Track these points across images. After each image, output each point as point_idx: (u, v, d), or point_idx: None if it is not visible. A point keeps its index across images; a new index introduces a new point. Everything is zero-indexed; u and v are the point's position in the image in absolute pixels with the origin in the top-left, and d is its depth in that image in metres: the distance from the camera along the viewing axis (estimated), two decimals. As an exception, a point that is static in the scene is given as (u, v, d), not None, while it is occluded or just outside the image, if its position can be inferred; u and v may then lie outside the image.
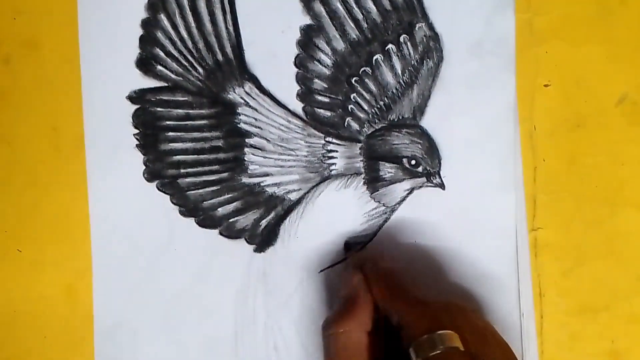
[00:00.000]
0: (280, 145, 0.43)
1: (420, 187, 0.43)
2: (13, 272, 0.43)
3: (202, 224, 0.43)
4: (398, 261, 0.42)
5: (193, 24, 0.42)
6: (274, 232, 0.43)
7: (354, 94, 0.43)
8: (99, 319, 0.43)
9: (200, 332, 0.43)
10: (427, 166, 0.42)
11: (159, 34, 0.42)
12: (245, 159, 0.43)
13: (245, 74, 0.43)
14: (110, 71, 0.42)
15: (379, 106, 0.43)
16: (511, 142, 0.43)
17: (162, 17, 0.42)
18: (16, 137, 0.43)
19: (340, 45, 0.43)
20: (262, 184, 0.43)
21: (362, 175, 0.43)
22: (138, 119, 0.43)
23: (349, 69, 0.43)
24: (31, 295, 0.43)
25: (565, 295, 0.43)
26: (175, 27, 0.42)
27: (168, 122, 0.43)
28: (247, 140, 0.43)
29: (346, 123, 0.43)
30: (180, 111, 0.43)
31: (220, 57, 0.43)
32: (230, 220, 0.43)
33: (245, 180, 0.43)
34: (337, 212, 0.43)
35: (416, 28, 0.42)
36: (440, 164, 0.43)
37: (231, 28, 0.42)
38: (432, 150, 0.43)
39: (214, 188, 0.43)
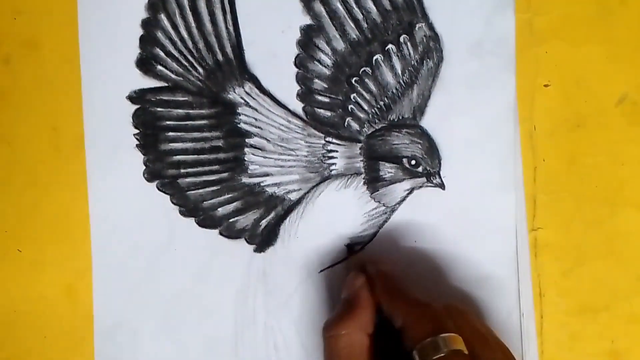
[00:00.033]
0: (281, 145, 0.43)
1: (420, 187, 0.43)
2: (13, 272, 0.43)
3: (202, 224, 0.43)
4: (398, 261, 0.42)
5: (193, 24, 0.42)
6: (274, 232, 0.43)
7: (354, 94, 0.43)
8: (99, 319, 0.43)
9: (200, 332, 0.43)
10: (427, 166, 0.42)
11: (159, 34, 0.42)
12: (246, 159, 0.43)
13: (246, 74, 0.43)
14: (111, 71, 0.42)
15: (379, 106, 0.43)
16: (511, 142, 0.43)
17: (162, 17, 0.42)
18: (16, 137, 0.43)
19: (340, 45, 0.43)
20: (262, 184, 0.43)
21: (362, 175, 0.43)
22: (138, 119, 0.43)
23: (349, 69, 0.43)
24: (31, 295, 0.43)
25: (565, 295, 0.43)
26: (175, 27, 0.42)
27: (168, 122, 0.43)
28: (247, 140, 0.43)
29: (346, 123, 0.43)
30: (180, 111, 0.43)
31: (220, 57, 0.43)
32: (231, 220, 0.43)
33: (246, 180, 0.43)
34: (337, 212, 0.43)
35: (416, 28, 0.42)
36: (440, 164, 0.43)
37: (231, 28, 0.43)
38: (432, 150, 0.43)
39: (214, 188, 0.43)
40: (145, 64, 0.43)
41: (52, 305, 0.43)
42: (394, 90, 0.43)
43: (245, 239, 0.43)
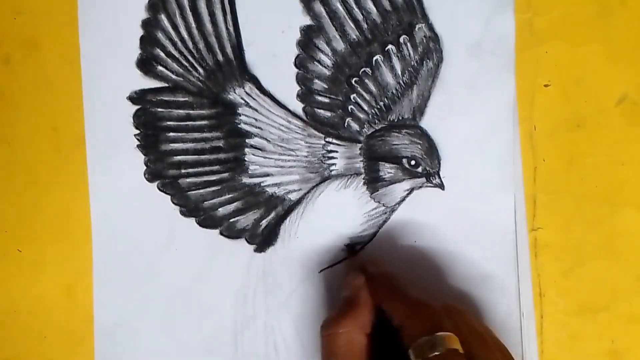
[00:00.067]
0: (281, 145, 0.43)
1: (420, 187, 0.43)
2: (13, 272, 0.43)
3: (203, 224, 0.43)
4: (397, 261, 0.42)
5: (193, 25, 0.43)
6: (274, 232, 0.43)
7: (354, 95, 0.43)
8: (99, 319, 0.43)
9: (200, 332, 0.43)
10: (426, 166, 0.43)
11: (160, 35, 0.43)
12: (246, 159, 0.43)
13: (246, 75, 0.43)
14: (111, 71, 0.42)
15: (378, 107, 0.43)
16: (511, 142, 0.43)
17: (163, 17, 0.42)
18: (16, 137, 0.43)
19: (340, 45, 0.43)
20: (262, 184, 0.43)
21: (362, 176, 0.43)
22: (139, 120, 0.43)
23: (348, 69, 0.43)
24: (31, 295, 0.43)
25: (565, 295, 0.43)
26: (175, 27, 0.42)
27: (169, 123, 0.43)
28: (247, 140, 0.43)
29: (346, 123, 0.43)
30: (180, 112, 0.43)
31: (220, 57, 0.43)
32: (231, 220, 0.43)
33: (246, 180, 0.43)
34: (337, 212, 0.43)
35: (416, 29, 0.43)
36: (439, 164, 0.43)
37: (231, 28, 0.43)
38: (431, 150, 0.43)
39: (215, 188, 0.43)
40: (146, 64, 0.43)
41: (52, 305, 0.43)
42: (394, 91, 0.43)
43: (246, 239, 0.43)
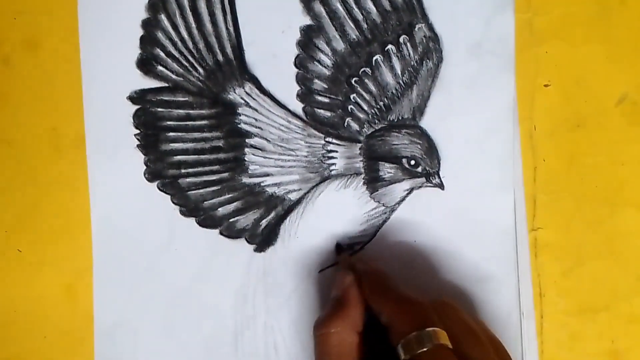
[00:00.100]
0: (281, 145, 0.43)
1: (420, 187, 0.43)
2: (13, 272, 0.43)
3: (203, 223, 0.43)
4: (397, 261, 0.42)
5: (193, 25, 0.43)
6: (274, 232, 0.43)
7: (354, 95, 0.43)
8: (99, 319, 0.43)
9: (200, 331, 0.43)
10: (426, 166, 0.43)
11: (160, 35, 0.43)
12: (246, 159, 0.43)
13: (246, 75, 0.43)
14: (111, 71, 0.43)
15: (378, 107, 0.43)
16: (511, 142, 0.43)
17: (163, 17, 0.42)
18: (16, 137, 0.43)
19: (340, 45, 0.43)
20: (262, 184, 0.43)
21: (362, 176, 0.43)
22: (139, 119, 0.43)
23: (348, 69, 0.43)
24: (31, 295, 0.43)
25: (565, 295, 0.43)
26: (175, 27, 0.42)
27: (169, 123, 0.43)
28: (247, 140, 0.43)
29: (346, 123, 0.43)
30: (180, 111, 0.43)
31: (220, 57, 0.43)
32: (231, 220, 0.43)
33: (246, 180, 0.43)
34: (337, 212, 0.43)
35: (416, 29, 0.43)
36: (439, 164, 0.43)
37: (231, 28, 0.43)
38: (431, 150, 0.43)
39: (215, 188, 0.43)
40: (146, 64, 0.43)
41: (52, 305, 0.43)
42: (394, 91, 0.43)
43: (246, 239, 0.43)
